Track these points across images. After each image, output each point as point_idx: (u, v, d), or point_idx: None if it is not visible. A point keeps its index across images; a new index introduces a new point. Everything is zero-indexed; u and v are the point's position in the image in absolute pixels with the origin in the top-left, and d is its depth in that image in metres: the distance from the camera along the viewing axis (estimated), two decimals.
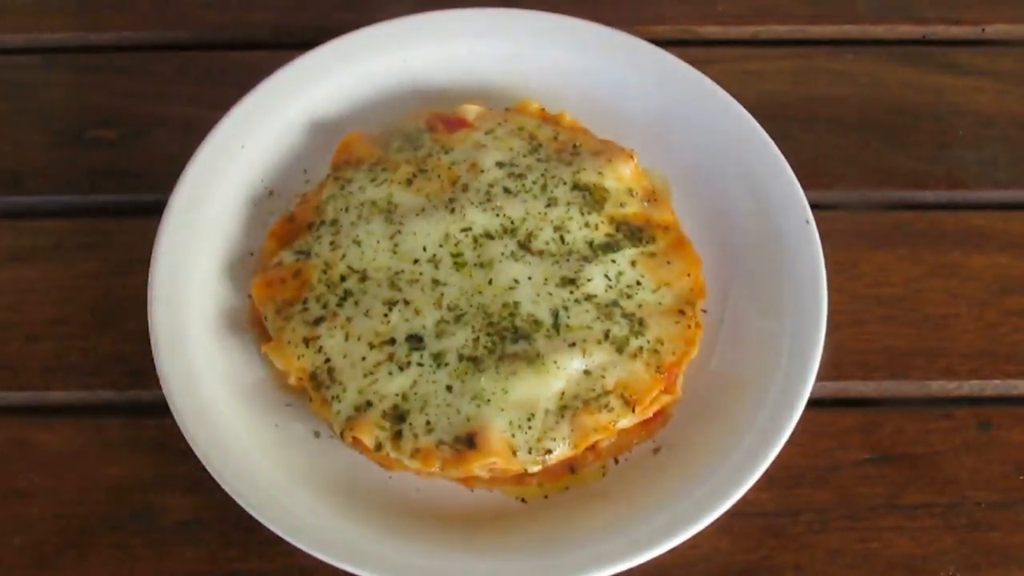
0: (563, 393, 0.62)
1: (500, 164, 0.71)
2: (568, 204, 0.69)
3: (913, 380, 0.72)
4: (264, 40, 0.88)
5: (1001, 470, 0.69)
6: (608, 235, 0.69)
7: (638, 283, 0.67)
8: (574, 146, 0.73)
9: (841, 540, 0.66)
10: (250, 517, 0.60)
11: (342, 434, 0.62)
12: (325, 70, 0.77)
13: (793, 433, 0.63)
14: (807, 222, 0.71)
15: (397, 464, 0.62)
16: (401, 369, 0.62)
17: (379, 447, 0.61)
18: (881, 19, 0.91)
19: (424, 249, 0.67)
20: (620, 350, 0.64)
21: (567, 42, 0.80)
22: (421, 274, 0.66)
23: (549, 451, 0.61)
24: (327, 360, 0.64)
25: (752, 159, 0.74)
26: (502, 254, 0.66)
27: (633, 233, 0.69)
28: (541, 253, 0.67)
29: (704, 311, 0.69)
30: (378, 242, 0.67)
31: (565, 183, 0.70)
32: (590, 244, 0.68)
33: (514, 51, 0.80)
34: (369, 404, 0.62)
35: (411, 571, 0.60)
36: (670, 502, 0.62)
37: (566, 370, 0.62)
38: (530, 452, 0.60)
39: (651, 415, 0.65)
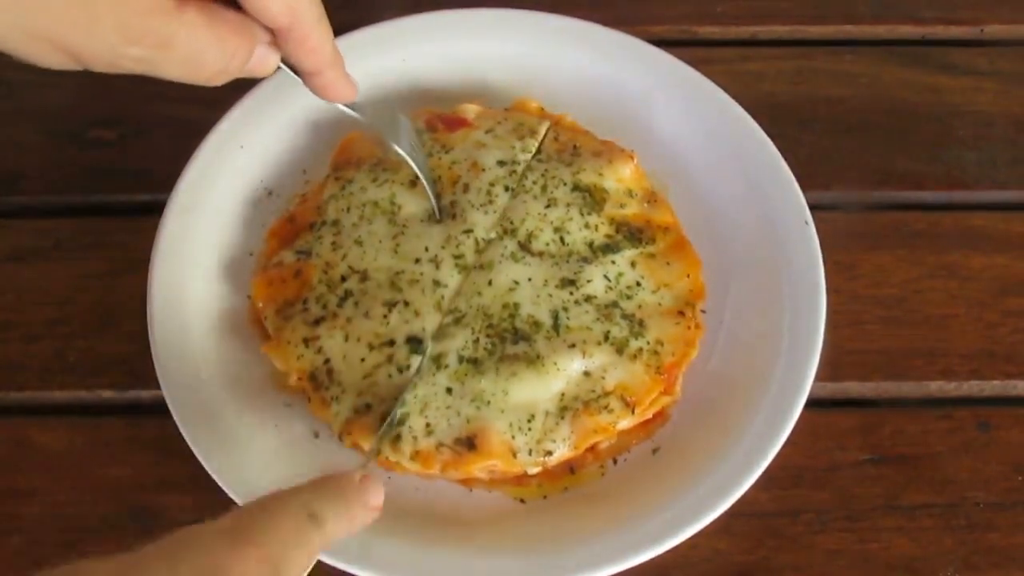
0: (563, 394, 0.62)
1: (501, 163, 0.71)
2: (568, 205, 0.69)
3: (912, 380, 0.72)
4: None
5: (1000, 471, 0.69)
6: (608, 236, 0.69)
7: (638, 284, 0.67)
8: (574, 147, 0.73)
9: (840, 541, 0.66)
10: None
11: (341, 436, 0.62)
12: None
13: (792, 433, 0.63)
14: (806, 222, 0.71)
15: (397, 466, 0.62)
16: (400, 371, 0.62)
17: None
18: (881, 19, 0.91)
19: (426, 249, 0.67)
20: (620, 351, 0.64)
21: (567, 42, 0.80)
22: (422, 274, 0.66)
23: (549, 452, 0.61)
24: (327, 361, 0.64)
25: (751, 159, 0.74)
26: (502, 255, 0.66)
27: (633, 234, 0.69)
28: (541, 254, 0.67)
29: (703, 312, 0.69)
30: (380, 242, 0.67)
31: (565, 184, 0.70)
32: (590, 245, 0.68)
33: (514, 51, 0.80)
34: (368, 406, 0.62)
35: (411, 571, 0.60)
36: (669, 502, 0.62)
37: (566, 371, 0.62)
38: (530, 454, 0.60)
39: (650, 416, 0.65)
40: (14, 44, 0.47)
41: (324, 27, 0.54)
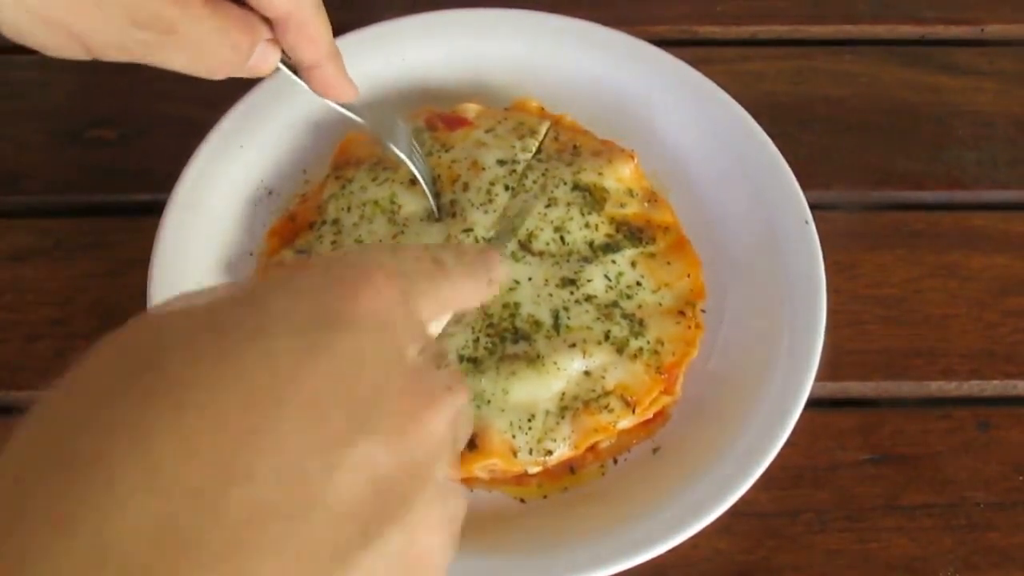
0: (563, 394, 0.62)
1: (501, 162, 0.71)
2: (568, 204, 0.69)
3: (912, 380, 0.72)
4: None
5: (1000, 470, 0.69)
6: (608, 236, 0.69)
7: (638, 284, 0.67)
8: (574, 146, 0.73)
9: (840, 540, 0.66)
10: None
11: None
12: None
13: (792, 433, 0.63)
14: (806, 222, 0.71)
15: None
16: None
17: None
18: (880, 19, 0.91)
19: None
20: (620, 351, 0.64)
21: (567, 42, 0.80)
22: None
23: (550, 452, 0.61)
24: None
25: (751, 159, 0.74)
26: (502, 254, 0.66)
27: (633, 234, 0.69)
28: (541, 254, 0.67)
29: (703, 311, 0.69)
30: (380, 241, 0.67)
31: (565, 183, 0.70)
32: (590, 245, 0.68)
33: (514, 51, 0.80)
34: None
35: None
36: (669, 502, 0.62)
37: (566, 371, 0.62)
38: (531, 453, 0.60)
39: (651, 415, 0.65)
40: (30, 32, 0.48)
41: (323, 17, 0.56)
